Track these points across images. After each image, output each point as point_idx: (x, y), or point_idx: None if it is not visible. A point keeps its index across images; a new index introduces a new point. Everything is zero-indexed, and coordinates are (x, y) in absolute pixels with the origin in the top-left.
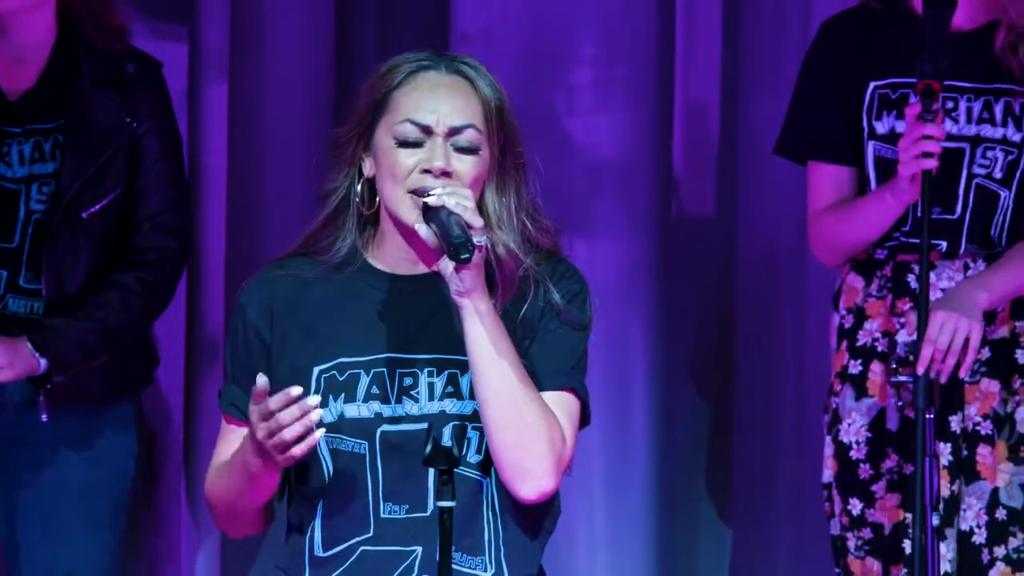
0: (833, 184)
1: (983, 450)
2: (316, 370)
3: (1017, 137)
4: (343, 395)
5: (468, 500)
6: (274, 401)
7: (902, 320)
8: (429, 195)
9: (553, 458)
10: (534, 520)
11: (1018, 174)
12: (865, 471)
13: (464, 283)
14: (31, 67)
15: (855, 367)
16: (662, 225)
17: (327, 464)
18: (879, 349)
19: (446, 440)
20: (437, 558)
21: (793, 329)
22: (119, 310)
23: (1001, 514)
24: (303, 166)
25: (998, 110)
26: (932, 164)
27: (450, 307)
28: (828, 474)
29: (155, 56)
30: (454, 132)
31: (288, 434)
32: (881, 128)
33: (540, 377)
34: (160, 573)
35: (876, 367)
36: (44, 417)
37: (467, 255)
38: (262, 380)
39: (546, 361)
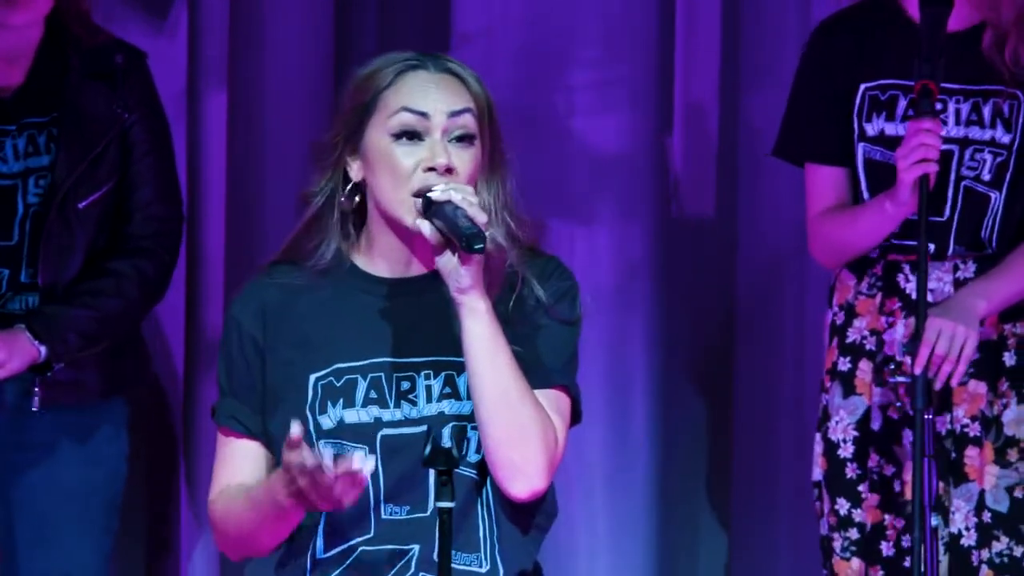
0: (831, 186)
1: (971, 452)
2: (312, 377)
3: (1006, 139)
4: (341, 400)
5: (464, 498)
6: (312, 461)
7: (890, 319)
8: (432, 191)
9: (546, 457)
10: (528, 517)
11: (1008, 176)
12: (852, 470)
13: (466, 279)
14: (20, 65)
15: (844, 364)
16: (662, 225)
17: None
18: (867, 347)
19: (446, 441)
20: (434, 556)
21: (793, 329)
22: (115, 296)
23: (987, 517)
24: (302, 168)
25: (987, 112)
26: (932, 168)
27: (444, 308)
28: (818, 472)
29: (155, 58)
30: (454, 115)
31: (340, 493)
32: (871, 130)
33: (531, 375)
34: (159, 572)
35: (864, 365)
36: (35, 406)
37: (481, 244)
38: (297, 428)
39: (536, 359)
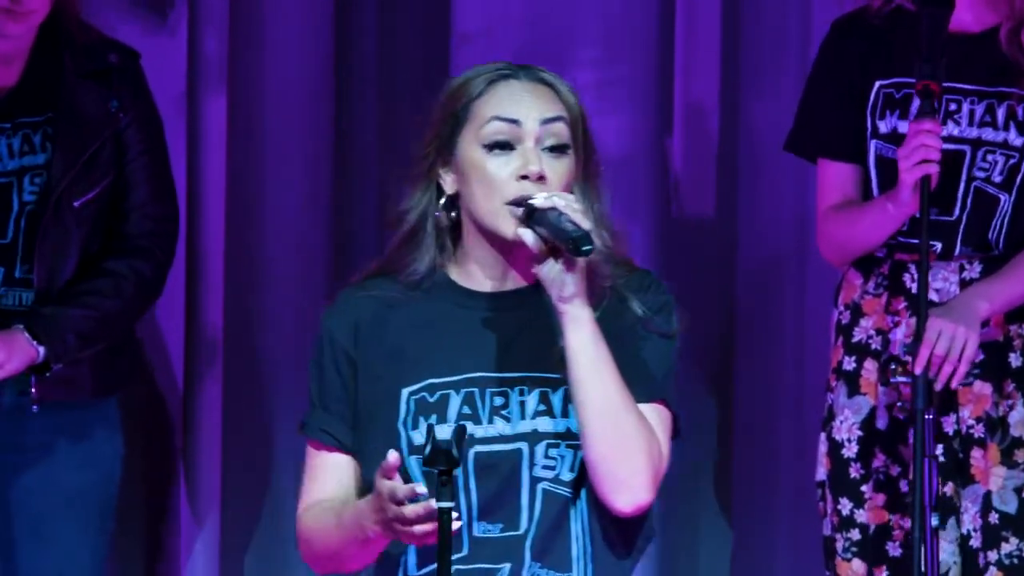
0: (842, 182)
1: (976, 453)
2: (405, 392)
3: (1018, 142)
4: (435, 416)
5: (556, 517)
6: (403, 490)
7: (896, 319)
8: (533, 198)
9: (651, 471)
10: (624, 537)
11: (1019, 179)
12: (856, 470)
13: (570, 287)
14: (15, 65)
15: (849, 363)
16: (662, 225)
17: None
18: (873, 347)
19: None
20: (523, 574)
21: (793, 329)
22: (112, 296)
23: (994, 518)
24: (302, 169)
25: (1000, 114)
26: (933, 169)
27: (540, 323)
28: (822, 472)
29: (155, 58)
30: (546, 123)
31: (419, 530)
32: (884, 127)
33: (632, 389)
34: (158, 572)
35: (870, 365)
36: (35, 408)
37: (590, 246)
38: (393, 456)
39: (637, 373)
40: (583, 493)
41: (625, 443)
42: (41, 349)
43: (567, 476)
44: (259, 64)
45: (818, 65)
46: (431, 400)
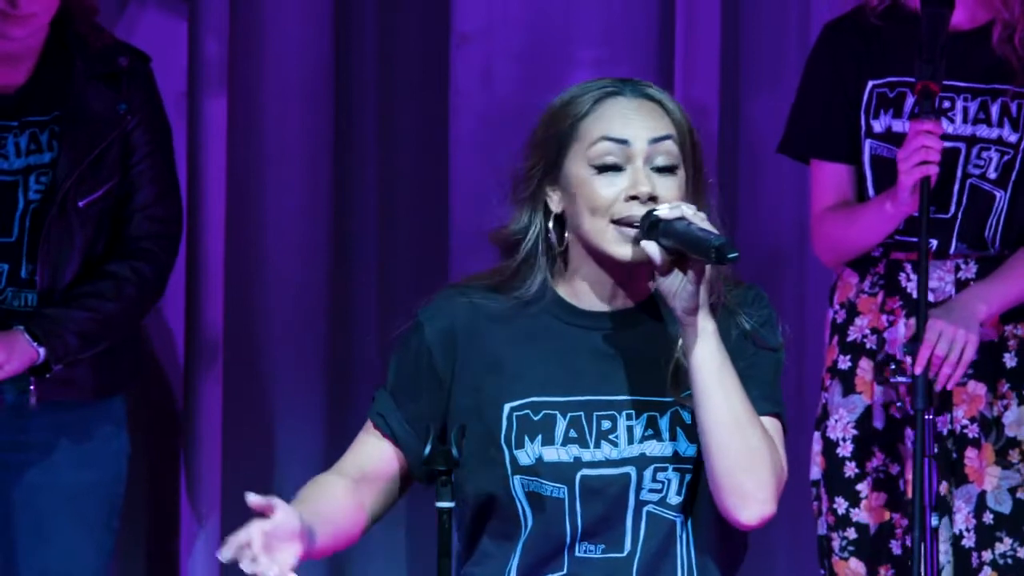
0: (836, 183)
1: (970, 453)
2: (507, 407)
3: (1013, 138)
4: (540, 437)
5: (662, 540)
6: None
7: (891, 318)
8: (656, 209)
9: (775, 483)
10: (728, 555)
11: (1013, 175)
12: (850, 469)
13: (696, 298)
14: (24, 64)
15: (844, 363)
16: None
17: (524, 507)
18: (868, 346)
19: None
20: None
21: (793, 329)
22: (114, 298)
23: (988, 518)
24: (301, 169)
25: (994, 110)
26: (933, 171)
27: (648, 345)
28: (816, 471)
29: (155, 59)
30: (655, 142)
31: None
32: (878, 127)
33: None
34: (159, 572)
35: (865, 364)
36: (33, 401)
37: (735, 253)
38: (254, 500)
39: (750, 387)
40: (691, 516)
41: (751, 455)
42: (41, 350)
43: (674, 500)
44: (259, 64)
45: (810, 66)
46: (535, 419)
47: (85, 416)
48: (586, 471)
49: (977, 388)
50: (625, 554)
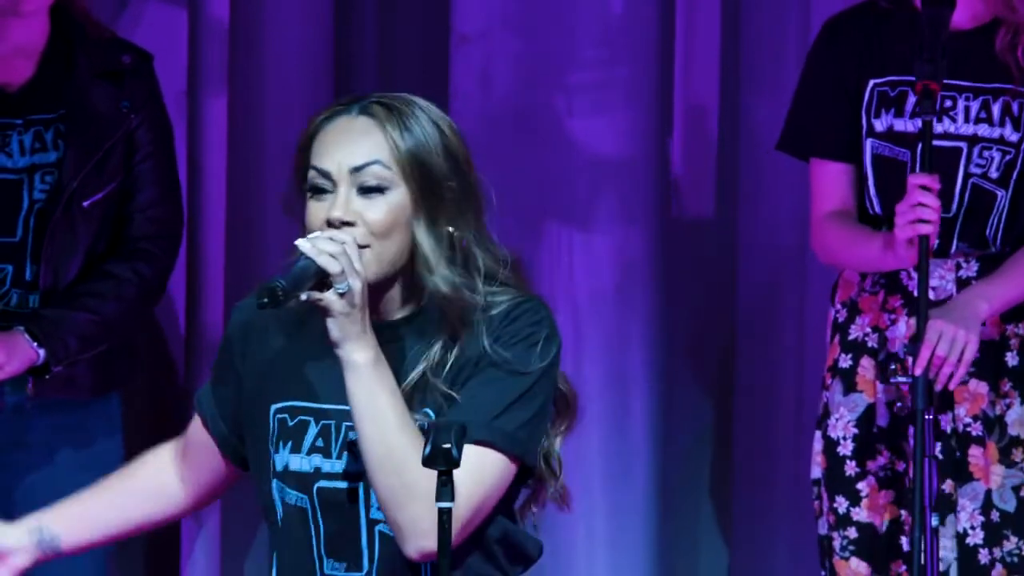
0: (835, 182)
1: (975, 451)
2: (273, 408)
3: (1014, 137)
4: (290, 443)
5: (396, 557)
6: None
7: (893, 316)
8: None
9: (433, 517)
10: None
11: (1015, 174)
12: (851, 468)
13: (333, 331)
14: (27, 62)
15: (845, 361)
16: (662, 225)
17: (280, 515)
18: (870, 344)
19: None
20: None
21: (793, 329)
22: (114, 299)
23: (995, 516)
24: None
25: (996, 110)
26: (928, 230)
27: (401, 359)
28: (817, 470)
29: (155, 59)
30: (355, 171)
31: None
32: (879, 126)
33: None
34: (159, 572)
35: (866, 362)
36: (30, 388)
37: (263, 299)
38: None
39: (467, 411)
40: None
41: (406, 491)
42: (41, 351)
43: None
44: (259, 64)
45: (809, 64)
46: (290, 424)
47: (83, 417)
48: (323, 483)
49: (979, 387)
50: (364, 573)
